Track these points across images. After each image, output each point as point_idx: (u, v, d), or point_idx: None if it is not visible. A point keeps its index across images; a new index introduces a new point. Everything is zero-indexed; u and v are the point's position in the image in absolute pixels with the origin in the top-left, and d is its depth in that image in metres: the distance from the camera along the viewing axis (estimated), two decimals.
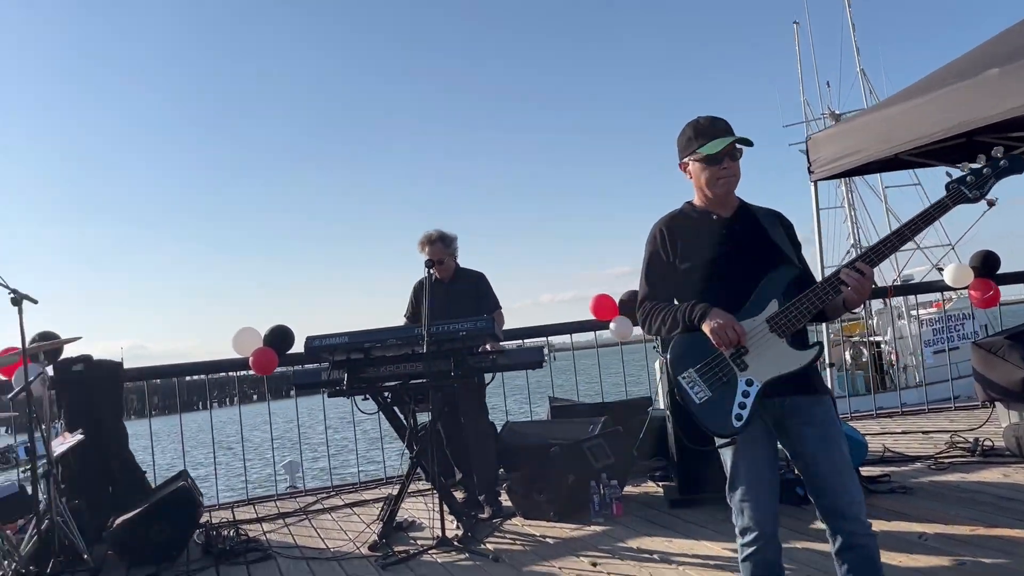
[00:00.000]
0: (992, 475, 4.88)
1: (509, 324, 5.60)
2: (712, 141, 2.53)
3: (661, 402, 6.66)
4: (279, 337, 6.18)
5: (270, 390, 6.99)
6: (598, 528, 4.56)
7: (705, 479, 4.64)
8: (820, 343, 2.51)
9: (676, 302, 2.63)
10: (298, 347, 6.27)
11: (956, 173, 2.37)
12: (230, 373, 7.15)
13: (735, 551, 3.77)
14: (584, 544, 4.28)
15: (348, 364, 4.67)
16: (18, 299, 4.22)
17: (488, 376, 4.97)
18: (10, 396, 4.86)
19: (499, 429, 5.99)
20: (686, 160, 2.63)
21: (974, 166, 2.36)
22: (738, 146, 2.56)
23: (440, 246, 5.20)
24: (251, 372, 6.50)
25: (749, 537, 2.50)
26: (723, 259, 2.55)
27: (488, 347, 4.89)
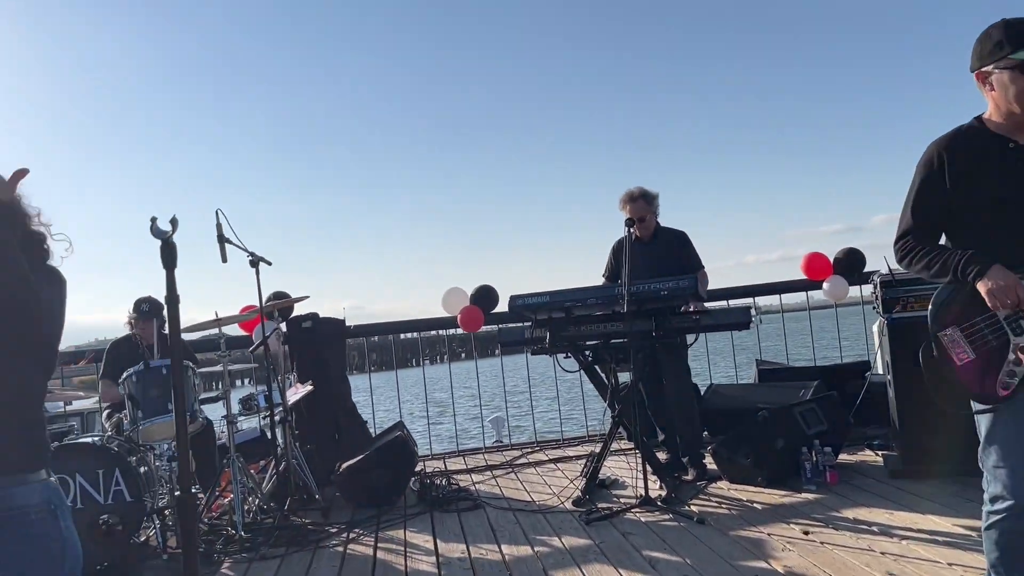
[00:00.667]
0: None
1: (712, 285, 5.45)
2: None
3: (879, 366, 6.21)
4: (484, 296, 6.41)
5: (477, 348, 7.27)
6: (810, 496, 4.36)
7: (931, 450, 4.29)
8: None
9: (945, 241, 2.34)
10: (502, 306, 6.47)
11: None
12: (440, 332, 7.50)
13: (968, 528, 3.50)
14: (795, 511, 4.11)
15: (550, 323, 4.74)
16: (255, 261, 4.65)
17: (691, 337, 4.85)
18: (250, 350, 5.39)
19: (702, 392, 5.87)
20: (989, 68, 2.22)
21: None
22: None
23: (642, 203, 5.10)
24: (460, 330, 6.79)
25: (1000, 505, 2.25)
26: (1014, 200, 2.20)
27: (691, 307, 4.78)
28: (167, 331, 5.24)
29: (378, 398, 6.87)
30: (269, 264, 4.67)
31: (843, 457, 4.98)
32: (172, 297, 1.51)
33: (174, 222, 1.50)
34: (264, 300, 5.06)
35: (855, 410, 5.27)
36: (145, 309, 5.04)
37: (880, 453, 5.01)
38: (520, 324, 5.16)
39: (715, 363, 7.18)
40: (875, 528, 3.72)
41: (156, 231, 1.51)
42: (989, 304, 2.16)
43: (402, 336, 7.76)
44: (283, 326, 5.78)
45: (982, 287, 2.16)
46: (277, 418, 4.99)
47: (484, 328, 6.71)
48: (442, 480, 5.26)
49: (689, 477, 4.94)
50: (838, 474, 4.55)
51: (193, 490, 4.72)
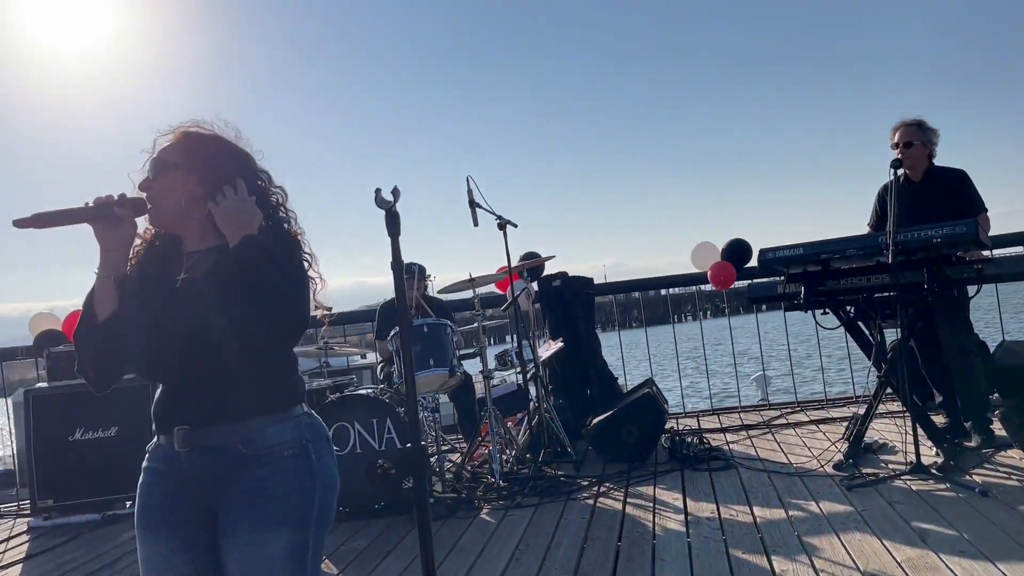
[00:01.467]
0: None
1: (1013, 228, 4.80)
2: None
3: None
4: (736, 251, 6.16)
5: (732, 303, 7.04)
6: None
7: None
8: None
9: None
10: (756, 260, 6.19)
11: None
12: (689, 288, 7.36)
13: None
14: None
15: (805, 277, 4.45)
16: (503, 224, 4.83)
17: (971, 289, 4.32)
18: (502, 308, 5.64)
19: (991, 349, 5.21)
20: None
21: None
22: None
23: (914, 129, 4.57)
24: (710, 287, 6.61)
25: None
26: None
27: (971, 256, 4.24)
28: (428, 292, 5.70)
29: (637, 355, 6.91)
30: (515, 226, 4.84)
31: None
32: (397, 263, 1.61)
33: (396, 192, 1.59)
34: (518, 260, 5.26)
35: None
36: (411, 271, 5.49)
37: None
38: (772, 279, 4.89)
39: (1008, 316, 6.34)
40: None
41: (380, 201, 1.61)
42: None
43: (662, 292, 7.71)
44: (534, 285, 5.98)
45: None
46: (530, 374, 5.19)
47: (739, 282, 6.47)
48: (693, 438, 5.18)
49: (972, 444, 4.45)
50: None
51: (452, 439, 5.10)
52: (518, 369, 5.38)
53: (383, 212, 1.60)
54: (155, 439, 1.78)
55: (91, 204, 1.71)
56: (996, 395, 4.95)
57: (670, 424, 5.70)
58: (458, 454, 5.44)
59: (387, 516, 4.39)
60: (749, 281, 5.92)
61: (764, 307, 7.03)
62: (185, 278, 1.74)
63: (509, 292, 6.00)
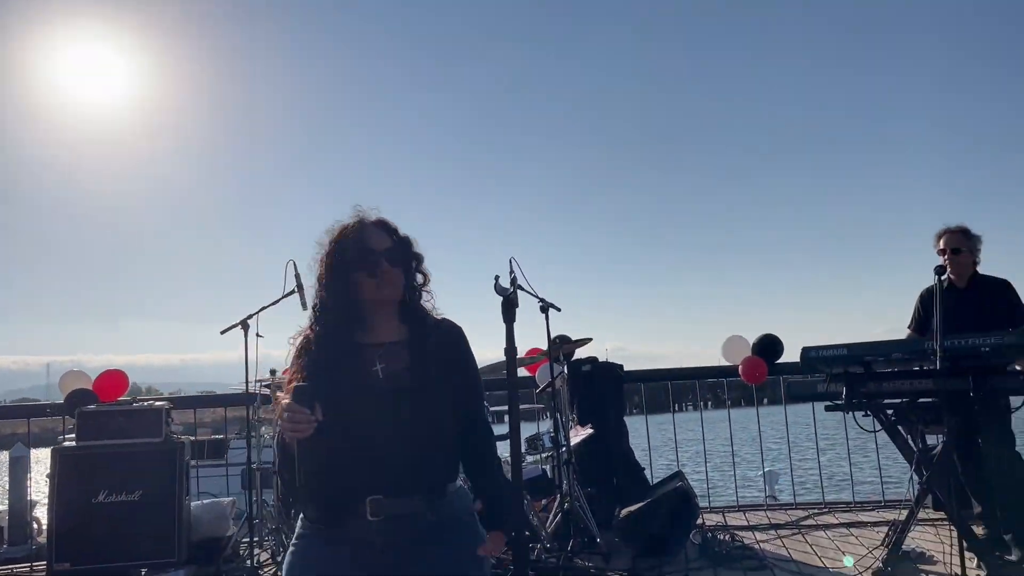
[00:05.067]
0: None
1: None
2: None
3: None
4: (768, 347, 6.16)
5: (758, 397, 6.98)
6: None
7: None
8: None
9: None
10: (788, 357, 6.17)
11: None
12: (718, 379, 7.33)
13: None
14: None
15: (847, 377, 4.44)
16: (546, 307, 4.85)
17: (1017, 400, 4.31)
18: (537, 391, 5.61)
19: None
20: None
21: None
22: None
23: (959, 236, 4.68)
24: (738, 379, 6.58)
25: None
26: None
27: (1018, 367, 4.23)
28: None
29: (642, 443, 6.80)
30: (559, 310, 4.86)
31: None
32: (511, 348, 1.62)
33: (514, 282, 1.63)
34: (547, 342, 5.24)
35: None
36: None
37: None
38: (809, 377, 4.88)
39: None
40: None
41: (499, 288, 1.64)
42: None
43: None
44: (564, 369, 5.97)
45: None
46: (563, 460, 5.12)
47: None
48: (725, 535, 5.09)
49: (1013, 558, 4.35)
50: None
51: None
52: (546, 455, 5.31)
53: (500, 298, 1.63)
54: None
55: None
56: None
57: (698, 519, 5.59)
58: None
59: None
60: (783, 376, 5.92)
61: (765, 400, 7.10)
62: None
63: (539, 374, 5.99)
